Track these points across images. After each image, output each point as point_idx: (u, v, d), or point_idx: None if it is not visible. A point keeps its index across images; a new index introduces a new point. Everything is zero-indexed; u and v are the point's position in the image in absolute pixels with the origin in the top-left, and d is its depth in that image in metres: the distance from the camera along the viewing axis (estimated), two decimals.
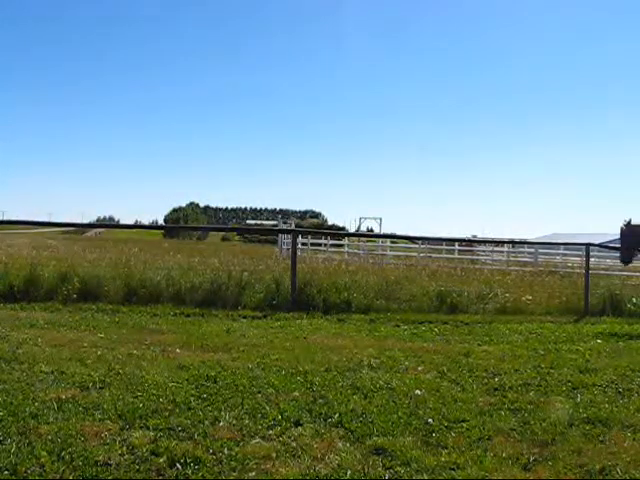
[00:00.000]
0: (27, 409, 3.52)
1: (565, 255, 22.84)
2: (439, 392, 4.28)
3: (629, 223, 8.18)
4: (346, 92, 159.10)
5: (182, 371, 4.59)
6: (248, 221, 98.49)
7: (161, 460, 2.93)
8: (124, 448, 3.04)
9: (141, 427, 3.34)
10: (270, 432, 3.37)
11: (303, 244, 25.57)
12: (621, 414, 3.89)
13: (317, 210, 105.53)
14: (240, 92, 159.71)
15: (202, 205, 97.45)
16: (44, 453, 2.91)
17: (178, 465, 2.88)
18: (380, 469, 2.95)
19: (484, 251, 26.26)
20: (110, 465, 2.85)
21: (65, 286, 8.37)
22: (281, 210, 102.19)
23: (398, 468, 2.96)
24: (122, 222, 66.96)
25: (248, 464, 2.93)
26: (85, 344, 5.43)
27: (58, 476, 2.72)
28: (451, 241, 23.46)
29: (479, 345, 6.29)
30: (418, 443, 3.29)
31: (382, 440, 3.29)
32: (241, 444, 3.17)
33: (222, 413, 3.62)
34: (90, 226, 42.22)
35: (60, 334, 5.93)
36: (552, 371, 5.07)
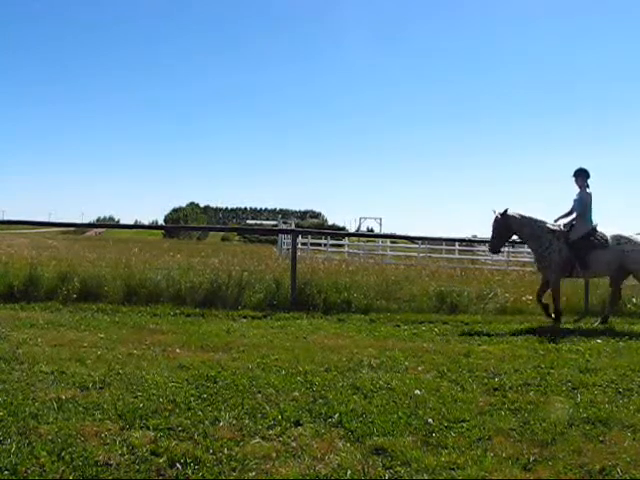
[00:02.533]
0: (27, 409, 3.52)
1: None
2: (439, 392, 4.28)
3: (505, 212, 7.85)
4: (346, 92, 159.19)
5: (182, 371, 4.59)
6: (248, 221, 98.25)
7: (161, 460, 2.93)
8: (124, 448, 3.04)
9: (141, 427, 3.35)
10: (270, 432, 3.37)
11: (303, 244, 25.57)
12: (621, 414, 3.88)
13: (317, 210, 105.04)
14: (240, 92, 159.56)
15: (202, 205, 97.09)
16: (44, 453, 2.92)
17: (178, 465, 2.89)
18: (380, 469, 2.95)
19: (484, 251, 26.25)
20: (110, 465, 2.85)
21: (65, 286, 8.38)
22: (281, 210, 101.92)
23: (398, 468, 2.96)
24: (122, 222, 66.70)
25: (248, 464, 2.93)
26: (85, 344, 5.44)
27: (58, 476, 2.72)
28: (451, 241, 23.41)
29: (479, 345, 6.29)
30: (418, 443, 3.29)
31: (382, 440, 3.29)
32: (241, 444, 3.18)
33: (222, 413, 3.63)
34: (90, 226, 42.04)
35: (60, 334, 5.94)
36: (552, 371, 5.07)
